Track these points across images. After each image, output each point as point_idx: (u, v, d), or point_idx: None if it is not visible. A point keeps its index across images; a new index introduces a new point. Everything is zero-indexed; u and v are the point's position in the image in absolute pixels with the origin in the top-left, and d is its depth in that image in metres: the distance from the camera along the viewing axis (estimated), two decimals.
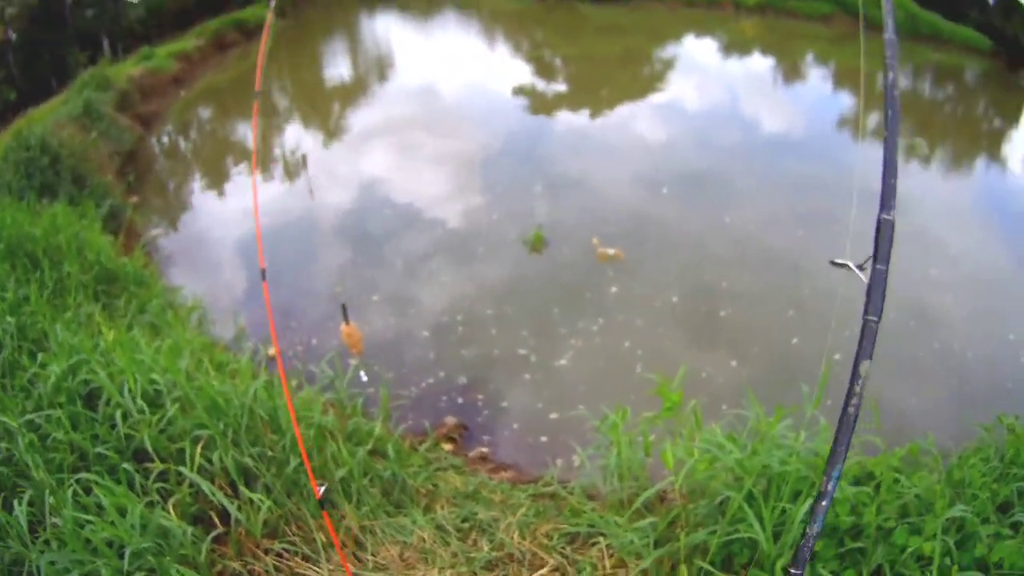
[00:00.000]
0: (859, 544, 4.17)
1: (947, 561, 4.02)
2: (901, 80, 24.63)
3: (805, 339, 9.83)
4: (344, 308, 7.20)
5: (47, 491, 4.48)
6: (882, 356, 8.17)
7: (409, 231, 12.99)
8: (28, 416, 5.15)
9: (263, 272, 4.89)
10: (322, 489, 4.19)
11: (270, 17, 7.40)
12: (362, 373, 7.43)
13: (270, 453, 5.21)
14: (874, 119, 20.87)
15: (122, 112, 19.49)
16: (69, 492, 4.48)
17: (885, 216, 2.49)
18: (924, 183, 16.38)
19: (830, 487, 2.38)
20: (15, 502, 4.42)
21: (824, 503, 2.40)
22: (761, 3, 32.21)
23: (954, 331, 10.36)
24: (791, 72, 26.48)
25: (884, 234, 2.51)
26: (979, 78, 27.26)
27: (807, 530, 2.42)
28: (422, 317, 10.64)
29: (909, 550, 4.02)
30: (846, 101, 22.95)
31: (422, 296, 11.10)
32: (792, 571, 2.44)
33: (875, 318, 2.50)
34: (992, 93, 25.69)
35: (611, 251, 11.59)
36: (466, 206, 13.89)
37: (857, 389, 2.39)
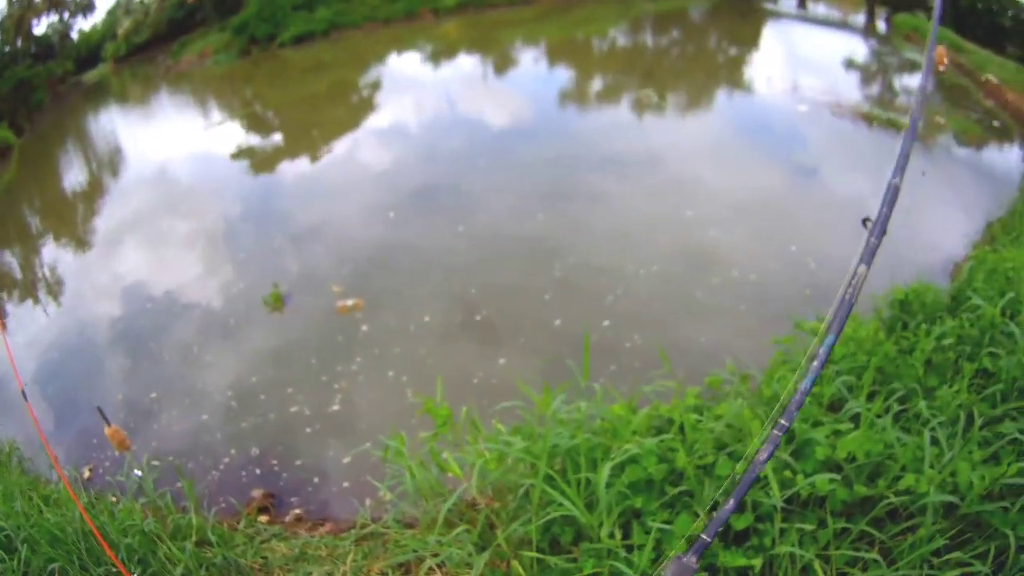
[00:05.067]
0: (683, 488, 4.27)
1: (787, 474, 4.13)
2: (618, 39, 25.39)
3: (567, 318, 10.02)
4: (100, 411, 7.04)
5: None
6: (658, 307, 8.30)
7: (170, 321, 12.81)
8: None
9: (23, 393, 5.22)
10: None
11: None
12: (136, 471, 7.31)
13: (114, 570, 5.16)
14: (596, 83, 21.57)
15: None
16: None
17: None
18: (665, 131, 16.88)
19: (821, 350, 2.67)
20: None
21: (816, 363, 2.69)
22: (460, 2, 32.80)
23: (731, 261, 10.67)
24: (501, 62, 26.94)
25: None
26: (708, 12, 28.05)
27: (799, 386, 2.68)
28: (198, 402, 10.45)
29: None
30: (564, 75, 23.69)
31: (193, 382, 10.92)
32: (782, 422, 2.65)
33: (876, 239, 2.80)
34: (726, 23, 26.52)
35: (350, 302, 11.56)
36: (215, 281, 13.81)
37: (853, 281, 2.75)
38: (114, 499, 6.90)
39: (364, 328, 10.97)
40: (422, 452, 5.51)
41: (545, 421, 4.99)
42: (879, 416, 4.58)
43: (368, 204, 15.45)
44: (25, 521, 5.55)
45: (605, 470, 4.25)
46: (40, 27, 37.96)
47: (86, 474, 8.78)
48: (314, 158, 20.63)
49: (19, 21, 39.04)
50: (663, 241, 11.30)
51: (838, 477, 4.07)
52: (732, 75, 21.35)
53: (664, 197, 12.57)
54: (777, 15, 26.72)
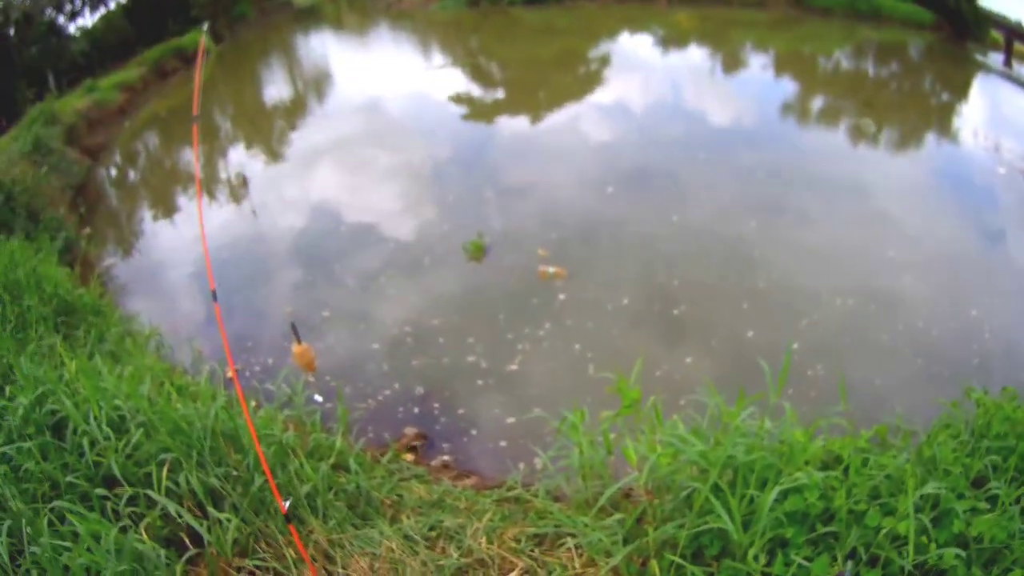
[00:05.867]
0: (831, 528, 4.21)
1: (924, 539, 4.09)
2: (842, 62, 24.98)
3: (760, 331, 9.90)
4: (294, 327, 7.07)
5: (24, 521, 4.53)
6: (846, 340, 8.22)
7: (358, 247, 13.06)
8: (0, 448, 5.19)
9: (214, 293, 4.95)
10: (287, 503, 4.27)
11: (203, 41, 7.31)
12: (316, 396, 7.38)
13: (235, 472, 5.25)
14: (818, 101, 21.07)
15: (70, 145, 19.73)
16: (45, 521, 4.53)
17: None
18: (876, 164, 16.53)
19: None
20: None
21: None
22: None
23: (917, 311, 10.39)
24: (730, 61, 26.61)
25: None
26: (924, 53, 27.51)
27: None
28: (372, 331, 10.63)
29: (883, 531, 4.06)
30: (788, 87, 23.27)
31: (371, 310, 11.12)
32: None
33: None
34: (938, 67, 25.93)
35: (552, 269, 11.47)
36: (416, 219, 13.95)
37: None
38: (254, 404, 7.07)
39: (561, 297, 11.00)
40: (595, 431, 5.51)
41: (725, 429, 4.92)
42: (1013, 503, 4.55)
43: (584, 175, 15.44)
44: (148, 406, 5.58)
45: (773, 493, 4.23)
46: None
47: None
48: (535, 119, 20.65)
49: None
50: (861, 275, 11.11)
51: (963, 554, 4.01)
52: (942, 121, 20.74)
53: (868, 230, 12.35)
54: (986, 69, 25.99)
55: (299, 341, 7.07)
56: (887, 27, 28.37)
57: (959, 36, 27.49)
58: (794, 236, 12.46)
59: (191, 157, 19.38)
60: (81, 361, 6.64)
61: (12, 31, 26.23)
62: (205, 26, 9.20)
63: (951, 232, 12.87)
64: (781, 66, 25.76)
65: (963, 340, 9.84)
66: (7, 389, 5.99)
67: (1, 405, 5.76)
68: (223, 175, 18.13)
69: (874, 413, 5.85)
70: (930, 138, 19.40)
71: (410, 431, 8.47)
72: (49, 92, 24.64)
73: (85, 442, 5.19)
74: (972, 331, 10.02)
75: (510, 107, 22.39)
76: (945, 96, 23.61)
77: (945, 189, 15.51)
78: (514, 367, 9.61)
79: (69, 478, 4.99)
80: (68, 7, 28.70)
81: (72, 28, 28.72)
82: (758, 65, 26.28)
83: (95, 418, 5.35)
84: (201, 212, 6.51)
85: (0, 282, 9.15)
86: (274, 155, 19.81)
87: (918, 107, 22.06)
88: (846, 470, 4.58)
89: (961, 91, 23.82)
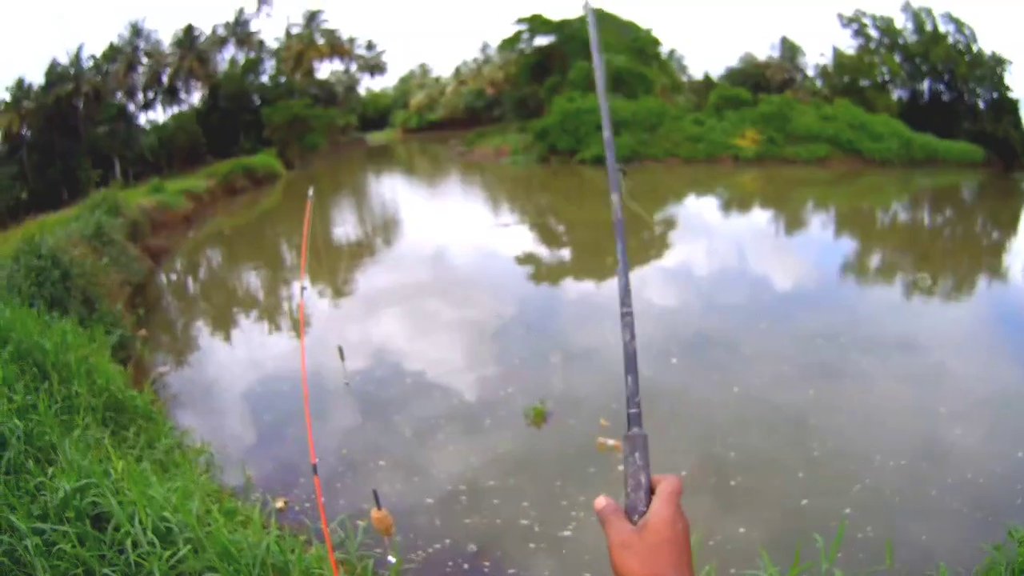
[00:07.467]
0: None
1: None
2: (899, 213, 25.33)
3: (815, 499, 9.78)
4: (375, 494, 7.14)
5: None
6: (897, 500, 8.28)
7: (419, 399, 13.02)
8: (35, 524, 5.23)
9: (315, 467, 5.15)
10: None
11: (309, 208, 7.42)
12: (391, 557, 7.45)
13: None
14: (876, 258, 21.67)
15: (133, 242, 20.32)
16: None
17: None
18: (931, 317, 16.96)
19: None
20: None
21: None
22: (759, 153, 34.18)
23: (966, 461, 10.31)
24: (792, 222, 27.46)
25: None
26: (976, 191, 27.98)
27: None
28: (427, 485, 10.50)
29: None
30: (847, 246, 23.99)
31: (428, 464, 11.01)
32: None
33: None
34: (990, 204, 26.33)
35: (611, 442, 11.16)
36: (476, 377, 13.97)
37: None
38: (304, 539, 7.18)
39: (619, 468, 10.71)
40: None
41: None
42: None
43: (647, 342, 14.74)
44: (197, 524, 5.62)
45: None
46: (323, 72, 40.18)
47: (279, 504, 8.77)
48: (599, 282, 20.87)
49: (298, 56, 41.54)
50: (914, 434, 11.13)
51: None
52: (993, 262, 21.46)
53: (921, 387, 12.50)
54: None
55: (379, 506, 7.12)
56: (941, 171, 29.68)
57: (1008, 167, 27.89)
58: (850, 402, 12.42)
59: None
60: (129, 463, 6.70)
61: (81, 104, 26.88)
62: (311, 191, 9.23)
63: (999, 374, 12.98)
64: (841, 224, 26.81)
65: (1008, 481, 9.80)
66: (48, 468, 6.06)
67: (39, 480, 5.85)
68: (284, 306, 18.61)
69: (921, 564, 5.89)
70: (982, 283, 19.92)
71: None
72: (114, 179, 25.27)
73: (128, 543, 5.24)
74: (1017, 472, 10.00)
75: (576, 269, 23.01)
76: (995, 235, 23.96)
77: (996, 334, 15.73)
78: (567, 532, 9.42)
79: (106, 570, 5.05)
80: (140, 97, 29.50)
81: (143, 119, 29.52)
82: (818, 224, 27.25)
83: (140, 523, 5.39)
84: (306, 387, 6.56)
85: (50, 360, 9.24)
86: (339, 293, 20.23)
87: (971, 251, 22.92)
88: None
89: (1010, 226, 24.19)
